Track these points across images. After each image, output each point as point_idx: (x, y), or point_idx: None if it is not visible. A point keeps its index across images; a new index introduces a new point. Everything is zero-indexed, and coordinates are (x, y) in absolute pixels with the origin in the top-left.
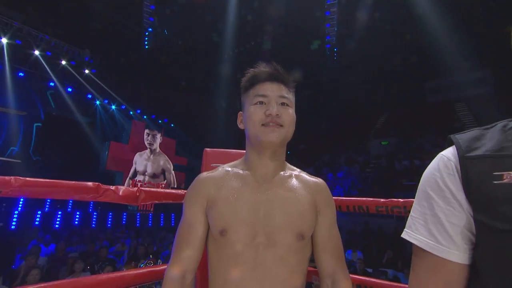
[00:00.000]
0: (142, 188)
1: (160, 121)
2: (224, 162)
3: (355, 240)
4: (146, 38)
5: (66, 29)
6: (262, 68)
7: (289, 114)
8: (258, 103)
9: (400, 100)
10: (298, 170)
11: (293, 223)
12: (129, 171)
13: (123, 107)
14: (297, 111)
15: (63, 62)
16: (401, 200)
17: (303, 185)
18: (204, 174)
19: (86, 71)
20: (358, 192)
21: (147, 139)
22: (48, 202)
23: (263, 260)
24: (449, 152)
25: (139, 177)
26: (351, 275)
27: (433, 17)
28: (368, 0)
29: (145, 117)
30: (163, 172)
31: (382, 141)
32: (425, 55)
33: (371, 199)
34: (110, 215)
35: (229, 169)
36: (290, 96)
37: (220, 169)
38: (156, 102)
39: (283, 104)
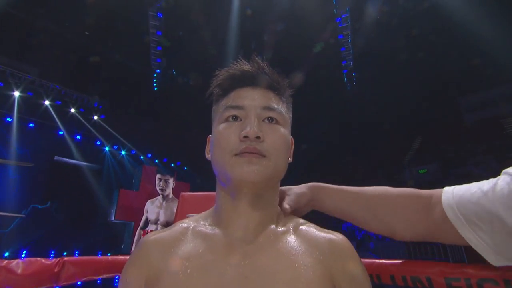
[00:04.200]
0: (67, 259)
1: (172, 165)
2: (205, 210)
3: None
4: (155, 80)
5: (75, 77)
6: (240, 65)
7: (278, 136)
8: (230, 118)
9: (435, 121)
10: (302, 220)
11: None
12: (140, 221)
13: (133, 152)
14: (321, 141)
15: (72, 110)
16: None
17: (308, 247)
18: (149, 236)
19: (95, 117)
20: None
21: (159, 185)
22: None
23: None
24: None
25: (151, 227)
26: None
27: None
28: (386, 15)
29: (156, 161)
30: None
31: (419, 169)
32: (457, 67)
33: (440, 263)
34: None
35: (190, 224)
36: (282, 108)
37: (177, 226)
38: (167, 145)
39: (270, 119)
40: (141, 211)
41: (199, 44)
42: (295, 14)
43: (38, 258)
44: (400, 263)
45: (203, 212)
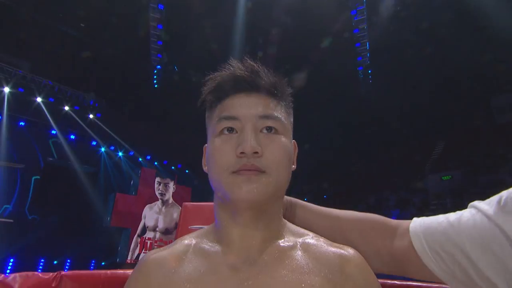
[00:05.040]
0: (64, 273)
1: (173, 167)
2: (209, 221)
3: None
4: (155, 77)
5: (70, 73)
6: (232, 69)
7: (279, 148)
8: (225, 131)
9: (461, 122)
10: (311, 233)
11: None
12: (137, 227)
13: (131, 153)
14: (331, 145)
15: (66, 108)
16: None
17: (317, 264)
18: (149, 256)
19: (91, 116)
20: None
21: (158, 189)
22: None
23: None
24: None
25: (149, 234)
26: None
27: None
28: (407, 7)
29: (156, 163)
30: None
31: (442, 175)
32: (489, 66)
33: None
34: None
35: (192, 241)
36: (282, 115)
37: (178, 243)
38: (168, 146)
39: (268, 129)
40: (138, 217)
41: (203, 38)
42: (305, 6)
43: (35, 272)
44: (417, 286)
45: (207, 226)
